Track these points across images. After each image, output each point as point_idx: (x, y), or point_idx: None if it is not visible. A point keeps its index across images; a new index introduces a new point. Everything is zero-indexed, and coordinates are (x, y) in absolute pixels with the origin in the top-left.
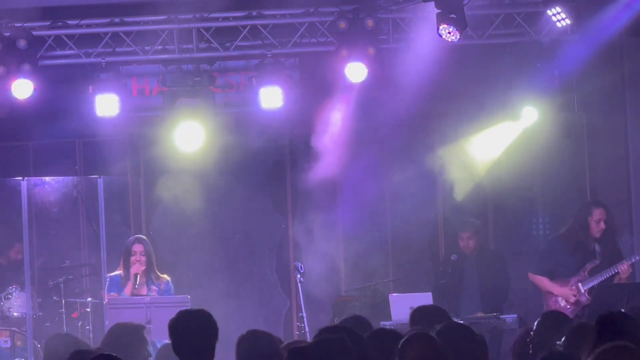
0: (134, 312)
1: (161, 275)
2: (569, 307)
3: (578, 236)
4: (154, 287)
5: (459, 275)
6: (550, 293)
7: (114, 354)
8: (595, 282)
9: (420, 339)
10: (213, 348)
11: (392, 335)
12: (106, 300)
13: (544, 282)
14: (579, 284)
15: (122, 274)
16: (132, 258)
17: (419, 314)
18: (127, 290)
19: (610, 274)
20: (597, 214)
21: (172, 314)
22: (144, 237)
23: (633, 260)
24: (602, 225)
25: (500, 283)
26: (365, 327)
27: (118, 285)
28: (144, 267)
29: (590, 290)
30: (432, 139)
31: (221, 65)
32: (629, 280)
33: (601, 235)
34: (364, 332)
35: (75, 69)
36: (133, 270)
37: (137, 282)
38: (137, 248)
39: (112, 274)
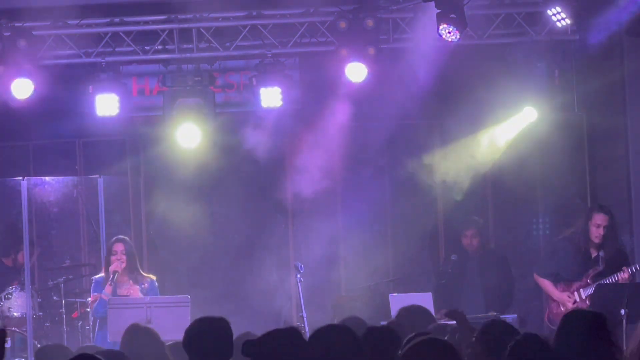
0: (134, 312)
1: (146, 275)
2: None
3: (579, 240)
4: (136, 287)
5: (461, 274)
6: (551, 297)
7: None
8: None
9: (432, 345)
10: (229, 355)
11: (387, 332)
12: (90, 305)
13: (547, 286)
14: (580, 290)
15: (105, 275)
16: (113, 257)
17: (405, 314)
18: (107, 289)
19: (613, 280)
20: (597, 218)
21: (172, 313)
22: (125, 237)
23: (635, 269)
24: (602, 230)
25: (504, 284)
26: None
27: (101, 286)
28: (124, 265)
29: (591, 296)
30: (432, 138)
31: (221, 65)
32: None
33: (601, 240)
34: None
35: (75, 69)
36: (112, 268)
37: (114, 279)
38: (118, 247)
39: (96, 276)
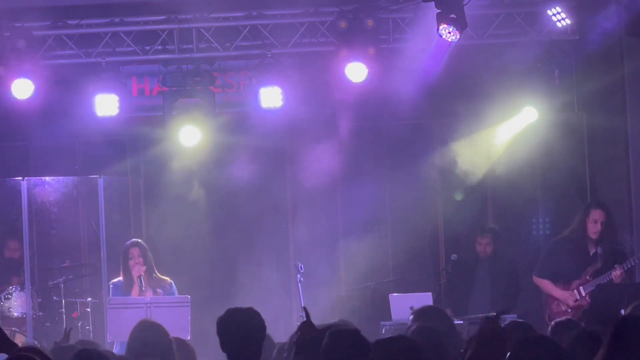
0: (134, 312)
1: (163, 278)
2: (569, 310)
3: (577, 237)
4: (159, 290)
5: (470, 275)
6: (552, 296)
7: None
8: (595, 285)
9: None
10: (260, 346)
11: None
12: None
13: (547, 285)
14: (581, 288)
15: (123, 279)
16: (131, 262)
17: (420, 314)
18: (134, 293)
19: (608, 278)
20: (594, 214)
21: (172, 313)
22: (140, 240)
23: (629, 266)
24: (599, 226)
25: (511, 287)
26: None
27: (121, 290)
28: (144, 268)
29: (591, 294)
30: (432, 139)
31: (221, 65)
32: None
33: (599, 237)
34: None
35: (75, 69)
36: (135, 273)
37: (143, 284)
38: (134, 251)
39: (114, 280)
